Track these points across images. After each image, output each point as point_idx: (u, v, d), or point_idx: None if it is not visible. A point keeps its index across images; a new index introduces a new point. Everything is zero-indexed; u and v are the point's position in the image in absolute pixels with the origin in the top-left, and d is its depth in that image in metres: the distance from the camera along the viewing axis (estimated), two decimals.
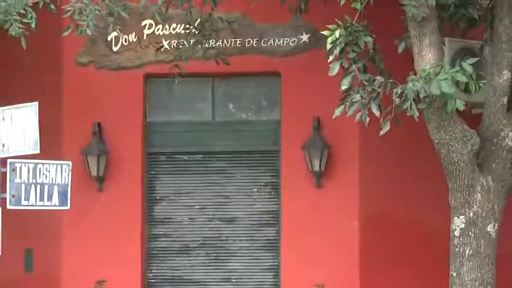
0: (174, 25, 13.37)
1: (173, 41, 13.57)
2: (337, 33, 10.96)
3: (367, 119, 10.97)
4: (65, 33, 11.30)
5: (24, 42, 10.74)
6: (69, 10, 10.92)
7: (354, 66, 11.07)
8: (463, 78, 10.71)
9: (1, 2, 10.74)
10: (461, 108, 11.00)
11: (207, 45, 13.09)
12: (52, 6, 11.32)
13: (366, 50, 11.14)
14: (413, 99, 10.64)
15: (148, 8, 11.33)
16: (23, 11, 10.77)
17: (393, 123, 10.89)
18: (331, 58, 10.96)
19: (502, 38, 11.50)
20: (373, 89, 11.08)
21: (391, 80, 11.08)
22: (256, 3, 12.82)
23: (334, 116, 11.15)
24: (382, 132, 10.97)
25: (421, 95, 10.66)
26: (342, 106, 11.05)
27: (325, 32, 10.91)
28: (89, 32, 10.93)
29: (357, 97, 11.04)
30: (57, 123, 13.38)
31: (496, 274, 11.40)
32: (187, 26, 12.82)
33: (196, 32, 12.88)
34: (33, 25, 10.87)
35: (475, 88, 11.11)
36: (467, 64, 10.79)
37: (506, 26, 11.46)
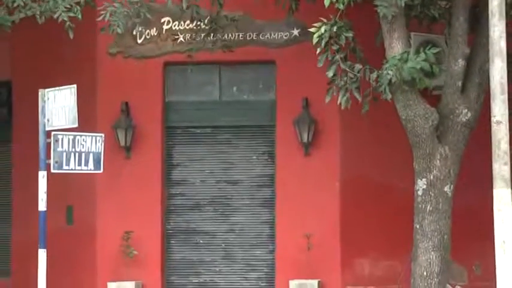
0: (188, 22, 13.37)
1: (187, 35, 13.59)
2: (322, 29, 11.00)
3: (349, 102, 11.06)
4: (102, 32, 11.35)
5: (71, 33, 10.77)
6: (103, 13, 10.97)
7: (337, 56, 11.11)
8: (427, 67, 10.75)
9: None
10: (430, 86, 11.11)
11: (214, 38, 13.15)
12: (92, 3, 11.36)
13: (347, 42, 11.17)
14: (387, 84, 10.72)
15: (167, 6, 11.32)
16: (69, 6, 10.80)
17: (371, 102, 11.00)
18: (319, 50, 11.01)
19: (458, 32, 11.52)
20: (354, 74, 11.13)
21: (368, 67, 11.14)
22: (256, 4, 12.88)
23: (327, 101, 11.26)
24: (363, 111, 11.09)
25: (393, 80, 10.72)
26: (330, 92, 11.15)
27: (312, 30, 10.96)
28: (119, 30, 11.00)
29: (341, 83, 11.12)
30: (92, 102, 13.39)
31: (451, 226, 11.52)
32: (198, 22, 12.87)
33: (207, 28, 12.95)
34: (79, 16, 10.88)
35: (437, 71, 11.15)
36: (431, 53, 10.82)
37: (460, 22, 11.49)
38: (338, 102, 11.20)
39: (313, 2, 11.31)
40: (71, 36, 10.76)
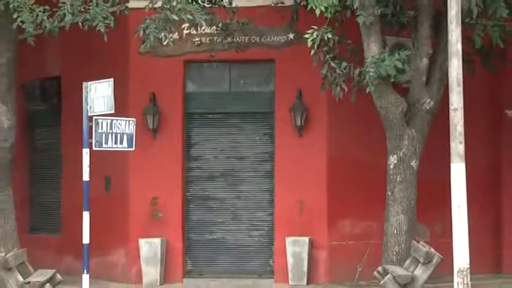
0: (203, 27, 13.35)
1: (203, 38, 13.58)
2: (314, 34, 11.03)
3: (341, 94, 11.15)
4: (143, 48, 11.38)
5: (106, 37, 10.83)
6: (139, 30, 11.06)
7: (327, 56, 11.16)
8: (400, 65, 10.79)
9: (90, 10, 10.85)
10: (402, 81, 11.19)
11: (230, 40, 13.16)
12: (126, 12, 11.39)
13: (334, 45, 11.21)
14: (369, 78, 10.77)
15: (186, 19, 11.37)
16: (105, 15, 10.85)
17: (357, 93, 11.10)
18: (313, 52, 11.08)
19: (423, 36, 11.57)
20: (341, 71, 11.18)
21: (352, 64, 11.20)
22: (259, 12, 12.89)
23: (321, 93, 11.47)
24: (351, 100, 11.24)
25: (374, 76, 10.76)
26: (324, 85, 11.36)
27: (306, 35, 11.01)
28: (151, 43, 11.07)
29: (332, 78, 11.19)
30: (126, 93, 13.37)
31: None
32: (213, 27, 12.91)
33: (220, 32, 12.99)
34: (112, 24, 10.93)
35: (408, 69, 11.20)
36: (404, 54, 10.87)
37: (425, 28, 11.54)
38: (333, 94, 11.30)
39: (309, 11, 11.34)
40: (106, 39, 10.82)
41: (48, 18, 10.83)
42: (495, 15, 10.85)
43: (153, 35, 10.89)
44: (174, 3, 10.86)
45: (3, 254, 10.99)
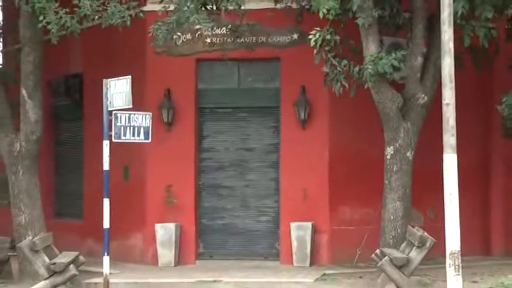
0: (214, 28, 13.33)
1: (214, 39, 13.57)
2: (317, 35, 11.03)
3: (341, 90, 11.16)
4: (150, 44, 11.48)
5: (120, 28, 10.95)
6: (151, 31, 11.13)
7: (329, 55, 11.16)
8: (396, 64, 10.79)
9: (108, 9, 10.94)
10: (398, 78, 11.20)
11: (240, 41, 13.15)
12: (141, 14, 11.43)
13: (335, 44, 11.21)
14: (368, 75, 10.78)
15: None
16: (122, 16, 10.93)
17: (357, 89, 11.09)
18: (315, 51, 11.09)
19: (417, 36, 11.56)
20: (342, 68, 11.19)
21: (351, 62, 11.21)
22: (265, 15, 12.88)
23: (324, 90, 11.54)
24: (351, 95, 11.26)
25: (372, 73, 10.75)
26: (326, 82, 11.35)
27: (310, 36, 11.01)
28: (161, 42, 11.15)
29: (333, 75, 11.20)
30: (143, 89, 13.37)
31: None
32: (228, 29, 12.92)
33: (230, 33, 12.99)
34: (128, 23, 11.03)
35: (403, 67, 11.20)
36: (401, 54, 10.87)
37: (419, 29, 11.53)
38: (333, 89, 11.30)
39: (312, 13, 11.31)
40: (120, 29, 10.92)
41: (71, 19, 10.88)
42: (482, 17, 10.83)
43: (163, 34, 10.98)
44: (185, 9, 10.89)
45: (31, 238, 11.06)
